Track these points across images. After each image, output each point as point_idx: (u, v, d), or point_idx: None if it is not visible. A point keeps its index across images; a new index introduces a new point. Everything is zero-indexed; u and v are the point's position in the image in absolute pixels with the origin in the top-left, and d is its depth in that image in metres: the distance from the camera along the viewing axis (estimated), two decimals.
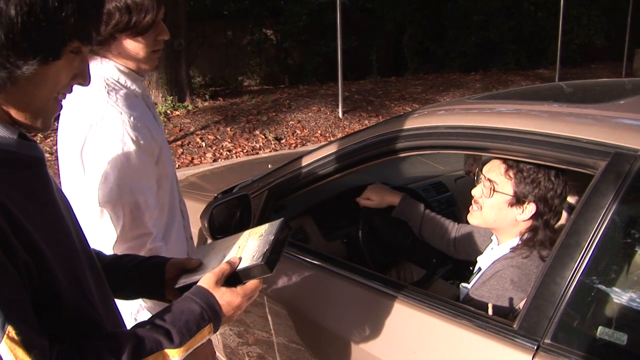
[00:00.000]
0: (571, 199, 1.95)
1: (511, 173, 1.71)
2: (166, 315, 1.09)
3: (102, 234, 1.59)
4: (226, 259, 1.25)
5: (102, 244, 1.57)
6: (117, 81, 1.63)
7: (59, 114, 1.25)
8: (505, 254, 1.74)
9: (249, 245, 1.28)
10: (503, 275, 1.66)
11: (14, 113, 0.95)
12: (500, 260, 1.73)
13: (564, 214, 1.84)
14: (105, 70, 1.62)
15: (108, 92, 1.59)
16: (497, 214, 1.75)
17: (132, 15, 1.53)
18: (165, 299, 1.34)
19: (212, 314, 1.13)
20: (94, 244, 1.23)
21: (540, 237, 1.69)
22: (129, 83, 1.66)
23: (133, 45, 1.60)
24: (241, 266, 1.22)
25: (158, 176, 1.70)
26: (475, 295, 1.69)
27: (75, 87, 1.03)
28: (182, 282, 1.27)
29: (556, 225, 1.76)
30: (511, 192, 1.71)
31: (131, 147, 1.56)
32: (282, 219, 1.34)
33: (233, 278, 1.21)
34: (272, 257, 1.21)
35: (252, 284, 1.21)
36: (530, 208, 1.70)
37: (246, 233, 1.36)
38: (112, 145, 1.55)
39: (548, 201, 1.69)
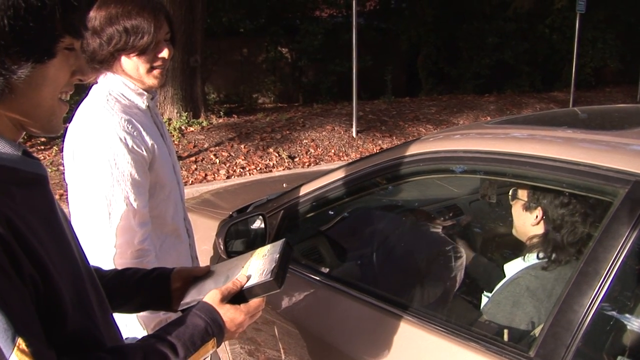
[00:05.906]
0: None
1: None
2: (172, 329, 1.11)
3: (90, 223, 1.67)
4: (231, 278, 1.27)
5: (91, 234, 1.65)
6: (121, 93, 1.77)
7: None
8: (527, 265, 1.76)
9: (254, 265, 1.31)
10: (520, 282, 1.69)
11: (22, 119, 0.96)
12: (523, 269, 1.75)
13: None
14: (110, 83, 1.75)
15: (107, 100, 1.72)
16: (518, 220, 1.83)
17: (129, 36, 1.68)
18: (172, 309, 1.35)
19: (216, 329, 1.15)
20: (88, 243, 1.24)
21: (552, 244, 1.72)
22: (132, 97, 1.78)
23: (131, 63, 1.73)
24: (249, 284, 1.24)
25: (152, 184, 1.77)
26: (494, 302, 1.71)
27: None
28: (185, 303, 1.28)
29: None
30: (525, 197, 1.79)
31: (118, 146, 1.66)
32: (284, 239, 1.38)
33: (238, 296, 1.23)
34: (280, 273, 1.24)
35: (255, 302, 1.23)
36: (538, 214, 1.76)
37: (250, 254, 1.39)
38: (99, 141, 1.65)
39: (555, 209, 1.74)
